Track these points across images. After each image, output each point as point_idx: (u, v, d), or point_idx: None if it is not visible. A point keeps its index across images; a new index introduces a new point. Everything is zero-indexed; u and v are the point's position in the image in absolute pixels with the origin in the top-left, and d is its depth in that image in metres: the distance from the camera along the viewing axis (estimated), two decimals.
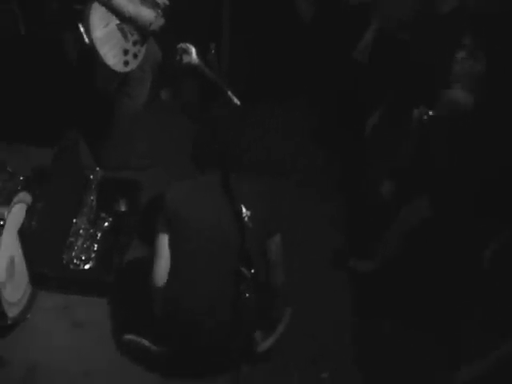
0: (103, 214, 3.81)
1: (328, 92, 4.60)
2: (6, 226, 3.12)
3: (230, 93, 2.17)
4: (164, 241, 3.01)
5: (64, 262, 3.61)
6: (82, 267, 3.60)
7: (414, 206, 3.47)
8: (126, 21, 3.56)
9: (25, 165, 3.84)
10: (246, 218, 2.58)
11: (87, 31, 3.43)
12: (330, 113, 4.65)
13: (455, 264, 3.44)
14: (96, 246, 3.69)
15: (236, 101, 2.15)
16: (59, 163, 3.68)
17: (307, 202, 4.23)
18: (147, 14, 3.61)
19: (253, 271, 2.61)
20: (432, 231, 3.48)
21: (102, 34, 3.48)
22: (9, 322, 3.22)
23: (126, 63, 3.63)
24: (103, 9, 3.49)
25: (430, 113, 3.18)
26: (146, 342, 3.20)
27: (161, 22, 3.68)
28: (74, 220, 3.75)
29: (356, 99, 4.32)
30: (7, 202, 3.18)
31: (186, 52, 2.17)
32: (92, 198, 3.80)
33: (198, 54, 2.17)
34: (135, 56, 3.67)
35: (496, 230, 3.31)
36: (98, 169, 3.90)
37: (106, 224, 3.78)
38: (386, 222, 3.67)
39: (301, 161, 4.52)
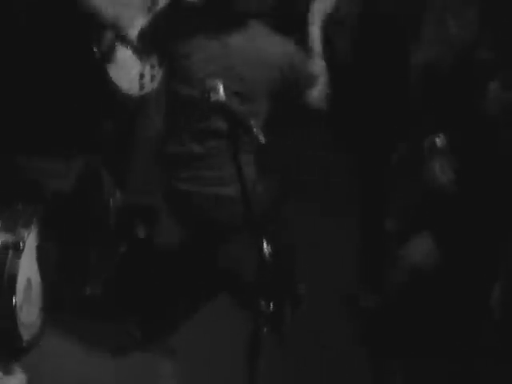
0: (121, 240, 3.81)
1: (354, 121, 4.54)
2: (25, 249, 3.13)
3: (256, 130, 2.17)
4: None
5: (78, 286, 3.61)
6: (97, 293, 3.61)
7: (417, 244, 3.44)
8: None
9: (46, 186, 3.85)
10: (267, 254, 2.54)
11: None
12: (356, 142, 4.59)
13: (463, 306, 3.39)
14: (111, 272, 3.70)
15: (262, 138, 2.15)
16: (80, 187, 3.70)
17: (322, 228, 4.21)
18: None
19: (272, 305, 2.58)
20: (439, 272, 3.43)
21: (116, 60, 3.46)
22: (24, 344, 3.22)
23: (142, 86, 3.62)
24: None
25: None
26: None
27: None
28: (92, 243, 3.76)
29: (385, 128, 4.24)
30: (28, 224, 3.20)
31: (214, 89, 2.16)
32: (111, 222, 3.81)
33: (224, 90, 2.17)
34: (153, 78, 3.66)
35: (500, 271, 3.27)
36: (118, 194, 3.91)
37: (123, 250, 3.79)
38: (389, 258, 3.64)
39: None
